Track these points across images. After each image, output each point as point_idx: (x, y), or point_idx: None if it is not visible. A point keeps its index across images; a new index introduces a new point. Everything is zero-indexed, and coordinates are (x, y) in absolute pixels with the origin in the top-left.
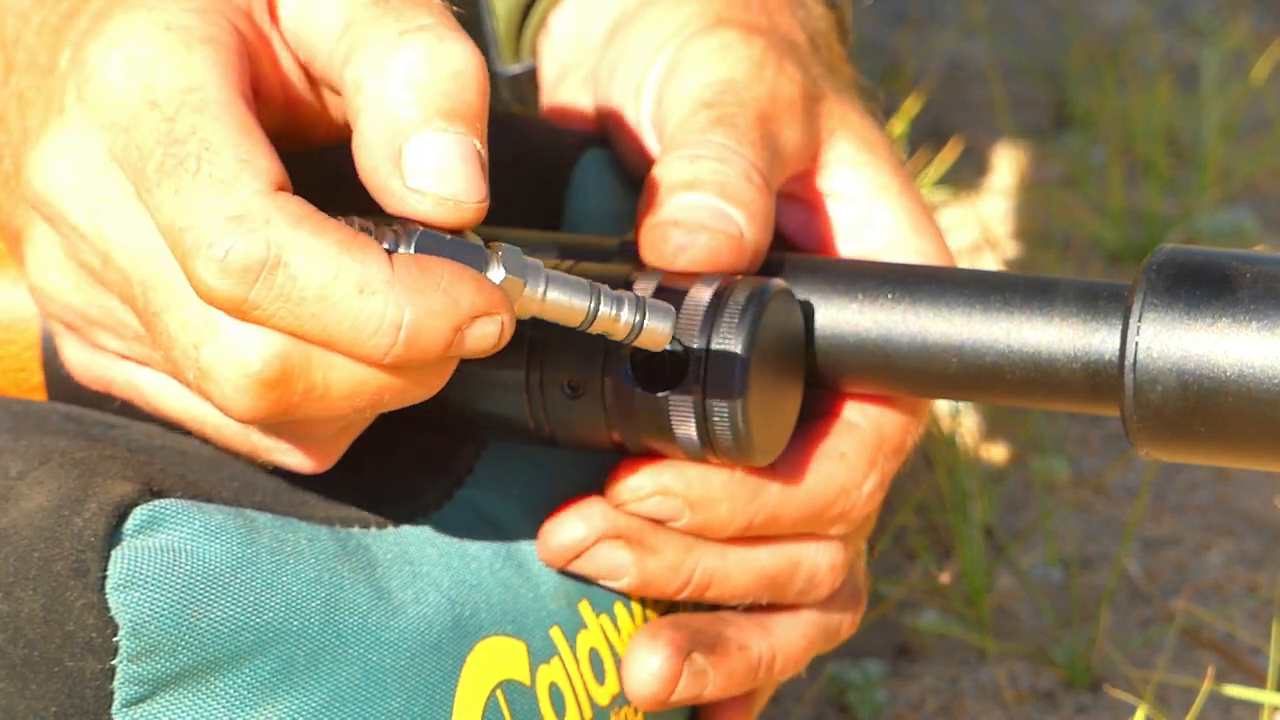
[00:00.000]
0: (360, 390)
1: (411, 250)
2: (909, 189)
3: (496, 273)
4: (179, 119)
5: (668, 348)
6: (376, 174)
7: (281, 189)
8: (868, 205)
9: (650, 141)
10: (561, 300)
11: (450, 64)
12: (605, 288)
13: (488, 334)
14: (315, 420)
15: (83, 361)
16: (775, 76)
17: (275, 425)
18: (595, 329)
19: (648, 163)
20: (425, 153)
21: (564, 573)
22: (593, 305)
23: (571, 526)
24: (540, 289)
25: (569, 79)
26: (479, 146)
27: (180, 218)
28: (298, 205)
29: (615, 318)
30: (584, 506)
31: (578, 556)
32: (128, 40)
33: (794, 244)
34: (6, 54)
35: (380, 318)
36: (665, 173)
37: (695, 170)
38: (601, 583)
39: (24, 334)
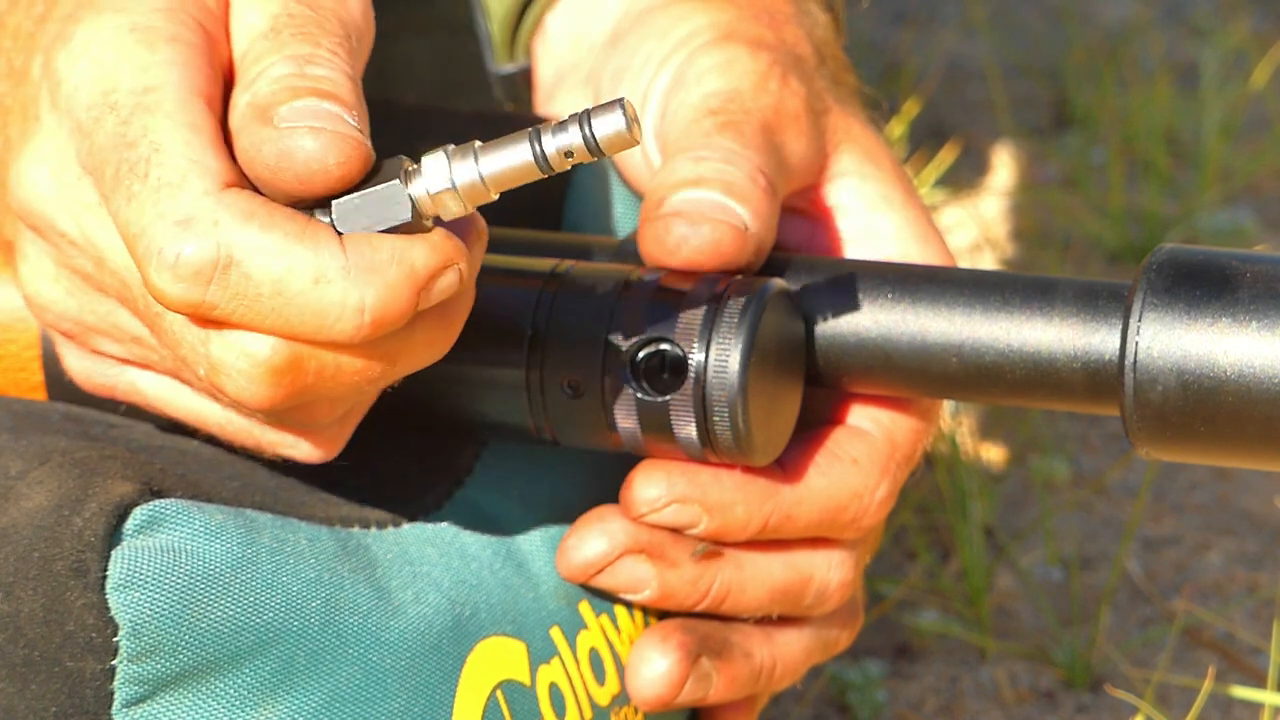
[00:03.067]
0: (372, 359)
1: (330, 219)
2: (912, 199)
3: (424, 184)
4: (132, 121)
5: (667, 348)
6: (252, 134)
7: (231, 185)
8: (870, 217)
9: (651, 150)
10: (504, 167)
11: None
12: (540, 125)
13: (448, 285)
14: (332, 399)
15: (84, 369)
16: (780, 90)
17: (281, 416)
18: (557, 167)
19: (648, 171)
20: (303, 107)
21: None
22: (537, 149)
23: (593, 541)
24: (475, 174)
25: (567, 80)
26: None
27: (133, 224)
28: (246, 201)
29: (568, 147)
30: (604, 520)
31: (599, 572)
32: (93, 44)
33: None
34: None
35: (341, 305)
36: (669, 173)
37: (700, 169)
38: (620, 596)
39: (24, 334)
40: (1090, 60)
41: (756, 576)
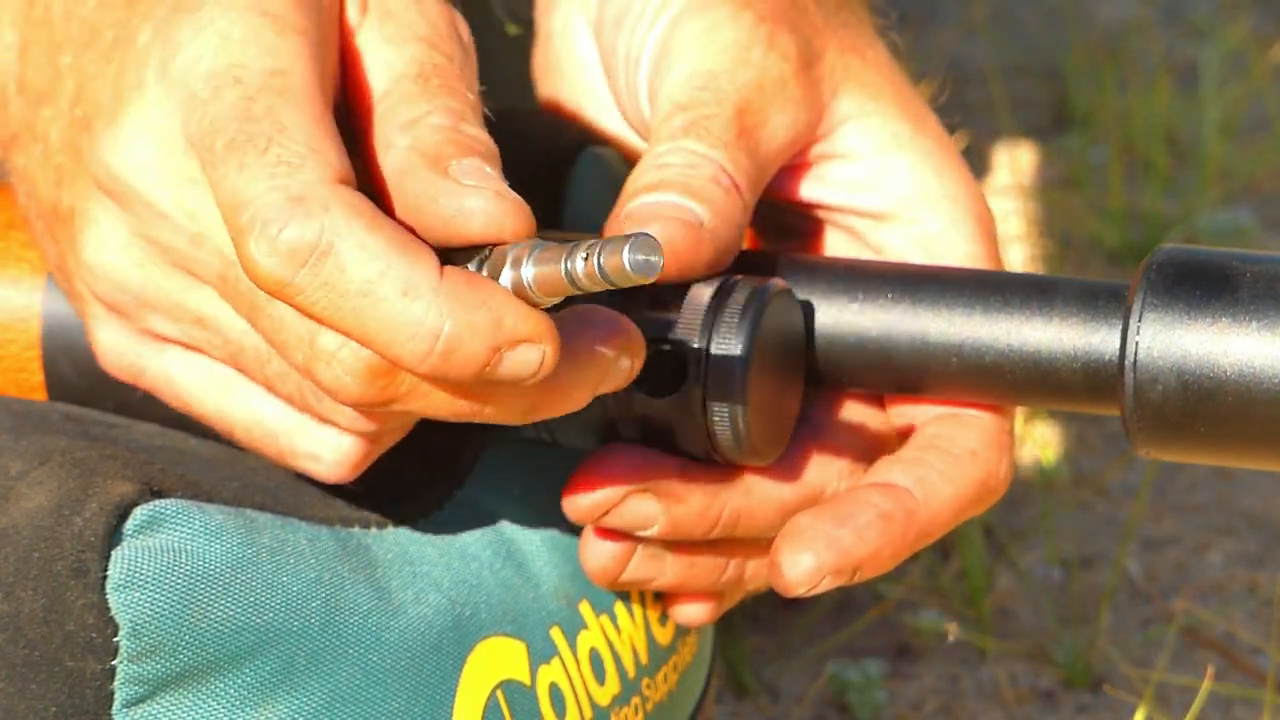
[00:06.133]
0: (462, 396)
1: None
2: (924, 129)
3: (527, 270)
4: (258, 99)
5: (667, 348)
6: (427, 182)
7: (345, 183)
8: (882, 159)
9: (646, 108)
10: (540, 274)
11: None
12: (576, 244)
13: (528, 361)
14: (413, 414)
15: (117, 347)
16: (764, 57)
17: (352, 420)
18: (585, 288)
19: (641, 133)
20: (470, 165)
21: (565, 572)
22: (567, 266)
23: (598, 483)
24: (526, 278)
25: None
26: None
27: (242, 193)
28: (358, 199)
29: (584, 273)
30: (607, 462)
31: (606, 513)
32: (221, 19)
33: (813, 212)
34: (53, 31)
35: (420, 323)
36: (633, 180)
37: (661, 175)
38: (634, 533)
39: (24, 334)
40: (1090, 60)
41: (766, 500)
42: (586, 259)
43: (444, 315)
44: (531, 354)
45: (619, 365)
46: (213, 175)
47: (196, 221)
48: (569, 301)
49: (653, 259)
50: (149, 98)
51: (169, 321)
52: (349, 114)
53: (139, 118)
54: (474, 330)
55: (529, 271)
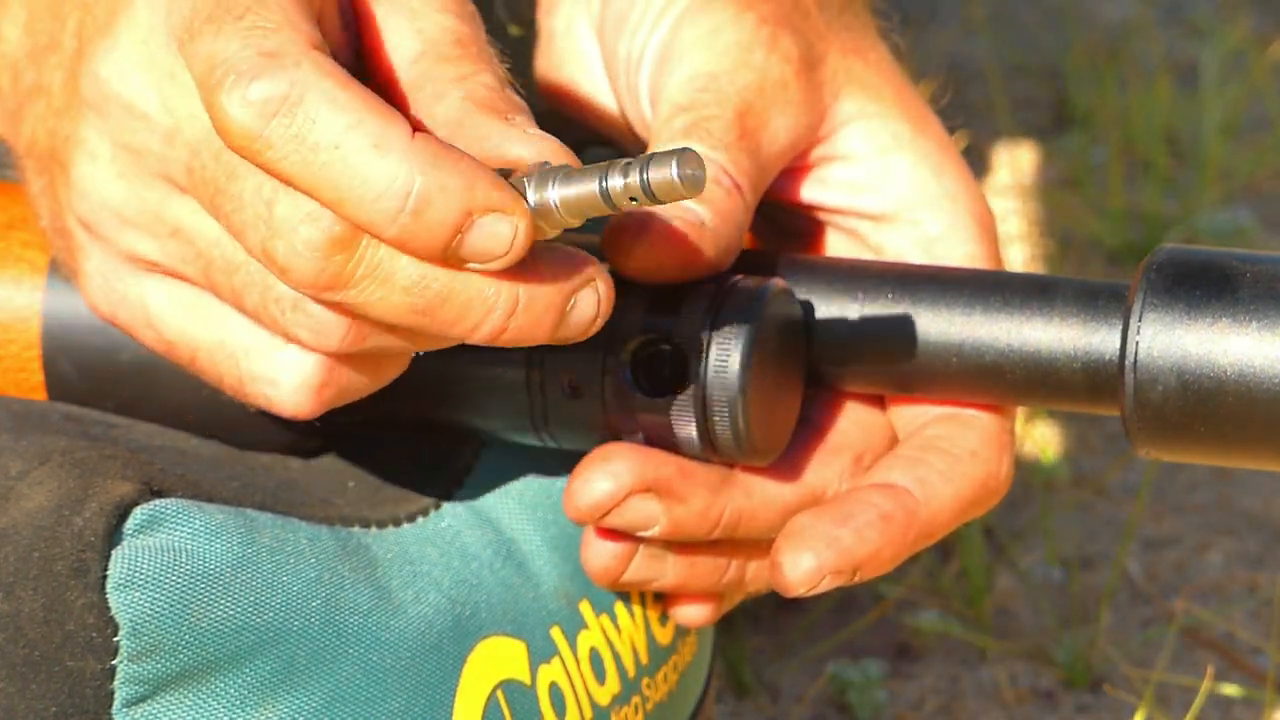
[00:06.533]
0: (421, 285)
1: None
2: (925, 131)
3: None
4: None
5: (667, 348)
6: (489, 126)
7: (319, 50)
8: (882, 160)
9: (648, 113)
10: (573, 194)
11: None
12: (612, 164)
13: (500, 234)
14: (368, 310)
15: (100, 274)
16: (765, 59)
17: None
18: (620, 206)
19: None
20: (524, 120)
21: (565, 572)
22: (603, 186)
23: (599, 483)
24: (551, 198)
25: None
26: None
27: (217, 53)
28: (331, 63)
29: (625, 189)
30: (609, 460)
31: (607, 514)
32: None
33: (813, 214)
34: None
35: (391, 178)
36: None
37: None
38: (636, 533)
39: (24, 334)
40: (1090, 60)
41: (767, 501)
42: (626, 175)
43: (415, 172)
44: (503, 226)
45: (590, 291)
46: (191, 49)
47: (172, 114)
48: (576, 231)
49: (699, 173)
50: (137, 6)
51: (147, 237)
52: (373, 73)
53: (127, 27)
54: (445, 191)
55: (556, 192)
